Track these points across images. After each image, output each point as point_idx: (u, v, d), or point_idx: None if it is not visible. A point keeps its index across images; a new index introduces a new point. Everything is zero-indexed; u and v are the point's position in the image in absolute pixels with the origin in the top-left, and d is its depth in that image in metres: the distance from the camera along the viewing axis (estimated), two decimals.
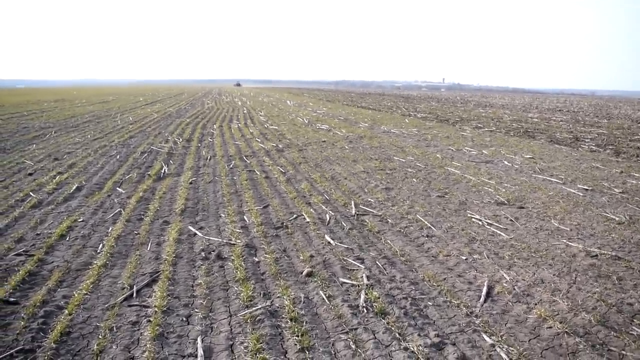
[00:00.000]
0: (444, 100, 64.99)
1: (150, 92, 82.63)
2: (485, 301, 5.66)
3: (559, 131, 24.47)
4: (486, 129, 24.70)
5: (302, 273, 6.38)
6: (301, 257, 6.93)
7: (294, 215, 8.97)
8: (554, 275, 6.42)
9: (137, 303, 5.53)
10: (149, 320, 5.10)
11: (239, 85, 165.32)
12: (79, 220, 8.61)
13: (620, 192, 11.02)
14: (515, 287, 6.03)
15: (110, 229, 8.15)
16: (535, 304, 5.59)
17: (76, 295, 5.69)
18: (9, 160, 14.25)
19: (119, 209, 9.28)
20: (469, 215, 9.12)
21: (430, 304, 5.56)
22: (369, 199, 10.17)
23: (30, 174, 12.34)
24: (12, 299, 5.57)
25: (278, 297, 5.67)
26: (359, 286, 5.97)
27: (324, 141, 18.96)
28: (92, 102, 45.35)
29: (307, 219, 8.69)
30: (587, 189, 11.31)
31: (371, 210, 9.39)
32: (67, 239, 7.65)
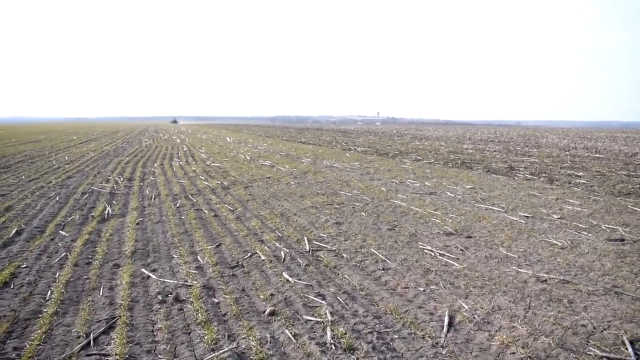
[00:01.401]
0: (380, 133, 66.45)
1: (84, 130, 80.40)
2: (448, 331, 5.77)
3: (494, 161, 25.47)
4: (425, 161, 25.41)
5: (264, 312, 6.30)
6: (261, 296, 6.85)
7: (249, 254, 8.88)
8: (509, 301, 6.63)
9: (96, 352, 5.30)
10: None
11: (175, 122, 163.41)
12: (23, 266, 8.19)
13: (558, 218, 11.55)
14: (475, 316, 6.18)
15: (58, 274, 7.80)
16: (496, 331, 5.75)
17: (28, 346, 5.40)
18: None
19: (64, 253, 8.91)
20: (420, 246, 9.31)
21: (396, 336, 5.61)
22: (321, 234, 10.21)
23: None
24: None
25: (243, 338, 5.58)
26: (323, 323, 5.95)
27: (269, 177, 18.96)
28: (23, 141, 43.59)
29: (262, 257, 8.63)
30: (527, 216, 11.78)
31: (325, 245, 9.43)
32: (12, 286, 7.26)
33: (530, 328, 5.78)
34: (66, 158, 27.48)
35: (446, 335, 5.65)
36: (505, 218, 11.67)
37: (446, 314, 6.21)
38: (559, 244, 9.41)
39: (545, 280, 7.42)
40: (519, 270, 7.89)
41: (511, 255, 8.74)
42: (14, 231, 10.32)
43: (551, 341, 5.42)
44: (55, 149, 34.93)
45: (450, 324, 5.95)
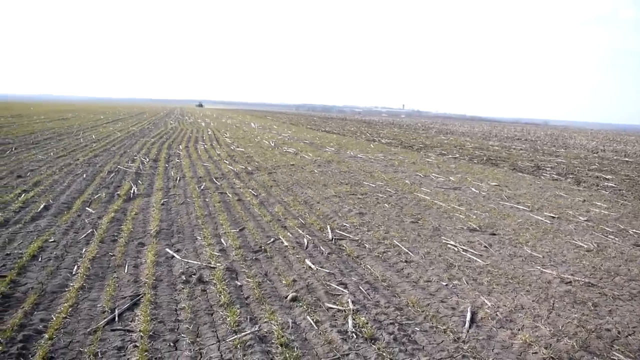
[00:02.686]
0: (405, 126, 66.07)
1: (111, 109, 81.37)
2: (470, 327, 5.73)
3: (521, 159, 25.17)
4: (450, 156, 25.21)
5: (286, 297, 6.34)
6: (283, 282, 6.89)
7: (272, 239, 8.92)
8: (532, 301, 6.56)
9: (121, 327, 5.38)
10: (136, 346, 4.97)
11: (201, 105, 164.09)
12: (50, 240, 8.34)
13: (585, 220, 11.38)
14: (498, 313, 6.13)
15: (84, 250, 7.93)
16: (519, 330, 5.70)
17: (55, 319, 5.51)
18: None
19: (90, 230, 9.05)
20: (443, 241, 9.25)
21: (417, 329, 5.60)
22: (344, 224, 10.20)
23: None
24: None
25: (265, 322, 5.62)
26: (345, 311, 5.96)
27: (293, 164, 18.99)
28: (51, 119, 44.28)
29: (285, 243, 8.66)
30: (553, 217, 11.63)
31: (347, 235, 9.43)
32: (40, 259, 7.39)
33: (554, 329, 5.72)
34: (93, 137, 27.84)
35: (468, 331, 5.62)
36: (530, 217, 11.53)
37: (468, 309, 6.17)
38: (585, 246, 9.27)
39: (570, 281, 7.33)
40: (544, 270, 7.80)
41: (536, 254, 8.65)
42: (42, 206, 10.49)
43: (574, 343, 5.35)
44: (82, 127, 35.40)
45: (472, 320, 5.92)
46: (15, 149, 20.45)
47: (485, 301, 6.49)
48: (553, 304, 6.50)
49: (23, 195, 11.53)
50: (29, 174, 14.54)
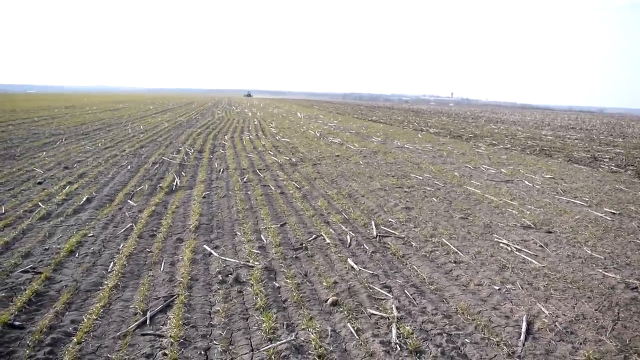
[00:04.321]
0: (454, 115, 64.58)
1: (160, 100, 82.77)
2: (526, 339, 5.22)
3: (576, 150, 24.00)
4: (501, 146, 24.26)
5: (326, 302, 5.96)
6: (324, 284, 6.51)
7: (313, 236, 8.56)
8: (595, 309, 5.98)
9: (151, 332, 5.12)
10: (165, 354, 4.69)
11: (249, 95, 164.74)
12: (89, 235, 8.24)
13: None
14: (556, 323, 5.59)
15: (122, 245, 7.77)
16: (581, 344, 5.16)
17: (86, 320, 5.31)
18: (19, 167, 13.94)
19: (130, 224, 8.91)
20: (495, 239, 8.69)
21: (467, 341, 5.12)
22: (390, 219, 9.75)
23: (39, 183, 12.01)
24: (17, 323, 5.18)
25: (303, 329, 5.26)
26: (388, 319, 5.53)
27: (338, 155, 18.59)
28: (103, 110, 45.26)
29: (327, 240, 8.29)
30: (614, 213, 10.85)
31: (393, 231, 8.97)
32: (77, 255, 7.28)
33: (620, 344, 5.14)
34: (141, 127, 28.16)
35: (524, 344, 5.11)
36: (588, 213, 10.78)
37: (524, 318, 5.64)
38: None
39: (636, 287, 6.68)
40: (606, 274, 7.16)
41: (596, 255, 7.98)
42: (84, 198, 10.46)
43: None
44: (131, 117, 35.97)
45: (528, 331, 5.39)
46: (65, 139, 20.83)
47: (543, 309, 5.94)
48: (618, 313, 5.91)
49: (68, 187, 11.58)
50: (75, 165, 14.67)
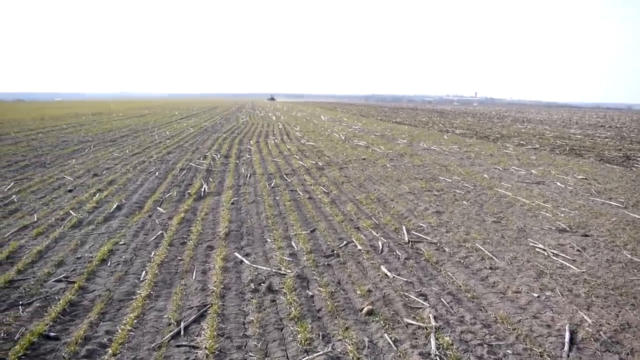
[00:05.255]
0: (479, 115, 63.90)
1: (184, 106, 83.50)
2: (570, 350, 5.03)
3: (607, 149, 23.48)
4: (529, 147, 23.84)
5: (361, 311, 5.84)
6: (358, 292, 6.39)
7: (344, 242, 8.44)
8: None
9: (186, 343, 5.06)
10: None
11: (272, 99, 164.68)
12: (120, 243, 8.25)
13: None
14: (601, 333, 5.38)
15: (153, 253, 7.75)
16: (628, 354, 4.96)
17: (120, 331, 5.28)
18: (49, 175, 14.11)
19: (160, 231, 8.90)
20: (530, 243, 8.46)
21: (509, 352, 4.95)
22: (421, 224, 9.58)
23: (70, 191, 12.12)
24: (53, 334, 5.17)
25: (339, 339, 5.14)
26: (426, 328, 5.39)
27: (364, 159, 18.44)
28: (129, 116, 45.79)
29: (359, 247, 8.16)
30: None
31: (425, 237, 8.80)
32: (109, 264, 7.28)
33: None
34: (167, 133, 28.37)
35: (568, 356, 4.92)
36: (625, 215, 10.47)
37: (566, 328, 5.45)
38: None
39: None
40: None
41: (637, 260, 7.72)
42: (114, 206, 10.51)
43: None
44: (157, 123, 36.30)
45: (571, 341, 5.19)
46: (93, 146, 21.07)
47: (585, 317, 5.74)
48: None
49: (97, 194, 11.66)
50: (104, 172, 14.80)
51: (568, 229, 9.36)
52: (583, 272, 7.19)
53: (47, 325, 5.34)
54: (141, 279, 6.75)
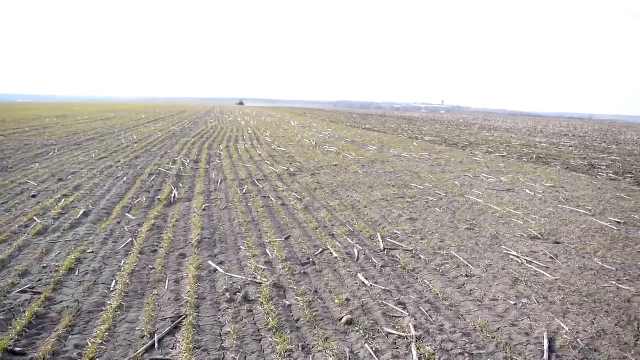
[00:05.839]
0: (447, 122, 64.67)
1: (152, 109, 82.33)
2: (549, 358, 5.02)
3: (572, 157, 23.96)
4: (498, 154, 24.16)
5: (340, 320, 5.73)
6: (336, 301, 6.28)
7: (320, 249, 8.33)
8: (615, 324, 5.80)
9: (161, 357, 4.87)
10: None
11: (241, 104, 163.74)
12: (88, 251, 7.96)
13: None
14: (578, 340, 5.40)
15: (123, 262, 7.50)
16: None
17: (90, 345, 5.05)
18: (12, 179, 13.61)
19: (130, 239, 8.64)
20: (504, 251, 8.50)
21: None
22: (395, 231, 9.54)
23: (34, 196, 11.69)
24: (18, 349, 4.91)
25: (319, 350, 5.02)
26: (407, 338, 5.31)
27: (336, 165, 18.38)
28: (95, 119, 44.84)
29: (335, 254, 8.06)
30: (619, 222, 10.72)
31: (400, 244, 8.76)
32: (76, 273, 7.01)
33: None
34: (134, 137, 27.83)
35: None
36: (594, 223, 10.64)
37: (544, 335, 5.45)
38: None
39: None
40: (620, 286, 7.00)
41: (608, 267, 7.81)
42: (81, 212, 10.18)
43: None
44: (124, 127, 35.60)
45: (550, 349, 5.19)
46: (58, 150, 20.50)
47: (562, 325, 5.75)
48: (638, 328, 5.73)
49: (63, 200, 11.30)
50: (70, 177, 14.37)
51: (540, 236, 9.45)
52: (557, 279, 7.24)
53: (12, 339, 5.07)
54: (111, 289, 6.51)
